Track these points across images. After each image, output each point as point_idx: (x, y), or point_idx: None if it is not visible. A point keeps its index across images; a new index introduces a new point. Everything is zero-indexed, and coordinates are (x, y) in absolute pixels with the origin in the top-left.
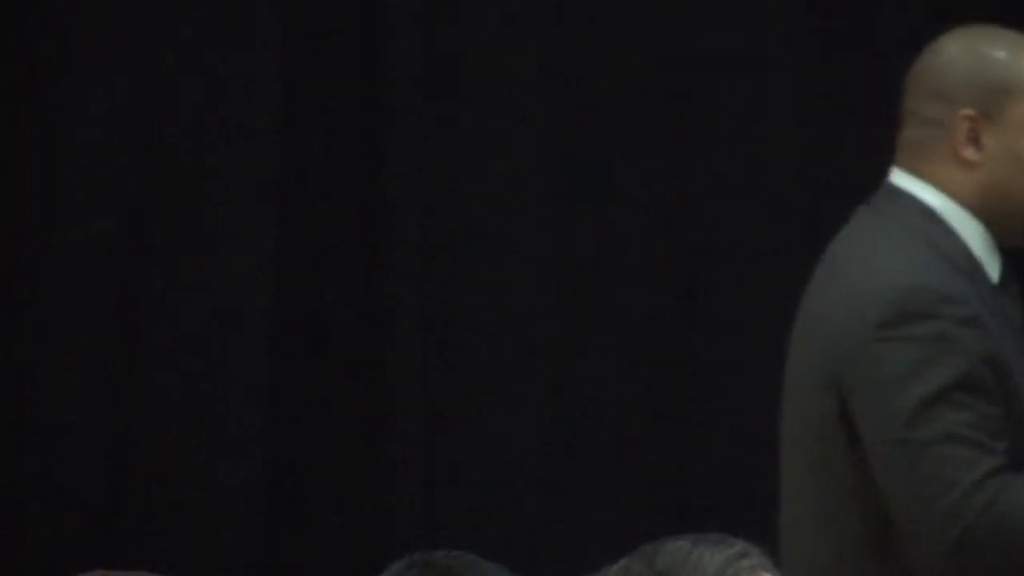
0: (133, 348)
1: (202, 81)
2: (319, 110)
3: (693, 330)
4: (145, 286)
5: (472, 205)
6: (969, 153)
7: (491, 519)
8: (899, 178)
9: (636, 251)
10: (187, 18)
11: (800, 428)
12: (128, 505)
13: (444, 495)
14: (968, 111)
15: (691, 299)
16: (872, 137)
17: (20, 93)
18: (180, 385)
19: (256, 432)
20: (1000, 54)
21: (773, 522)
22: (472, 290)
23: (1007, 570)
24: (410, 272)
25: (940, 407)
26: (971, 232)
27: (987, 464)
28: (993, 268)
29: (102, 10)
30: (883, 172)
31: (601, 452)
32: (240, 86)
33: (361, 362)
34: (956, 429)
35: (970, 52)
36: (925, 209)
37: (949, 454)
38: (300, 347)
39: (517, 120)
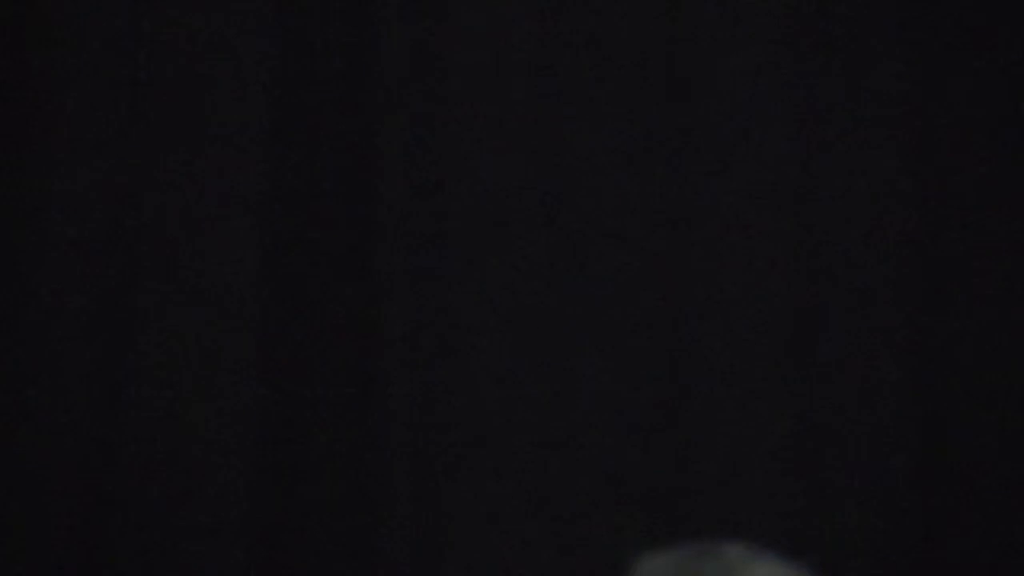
0: (122, 351)
1: (191, 79)
2: (309, 111)
3: (686, 334)
4: (133, 287)
5: (463, 205)
6: None
7: (487, 522)
8: None
9: (633, 253)
10: (177, 21)
11: None
12: (114, 512)
13: (436, 499)
14: None
15: (688, 303)
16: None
17: (7, 96)
18: (169, 391)
19: (245, 443)
20: None
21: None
22: (465, 289)
23: None
24: (402, 272)
25: None
26: None
27: None
28: None
29: (94, 16)
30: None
31: (601, 451)
32: (229, 88)
33: (353, 365)
34: None
35: None
36: None
37: None
38: (291, 349)
39: (509, 119)
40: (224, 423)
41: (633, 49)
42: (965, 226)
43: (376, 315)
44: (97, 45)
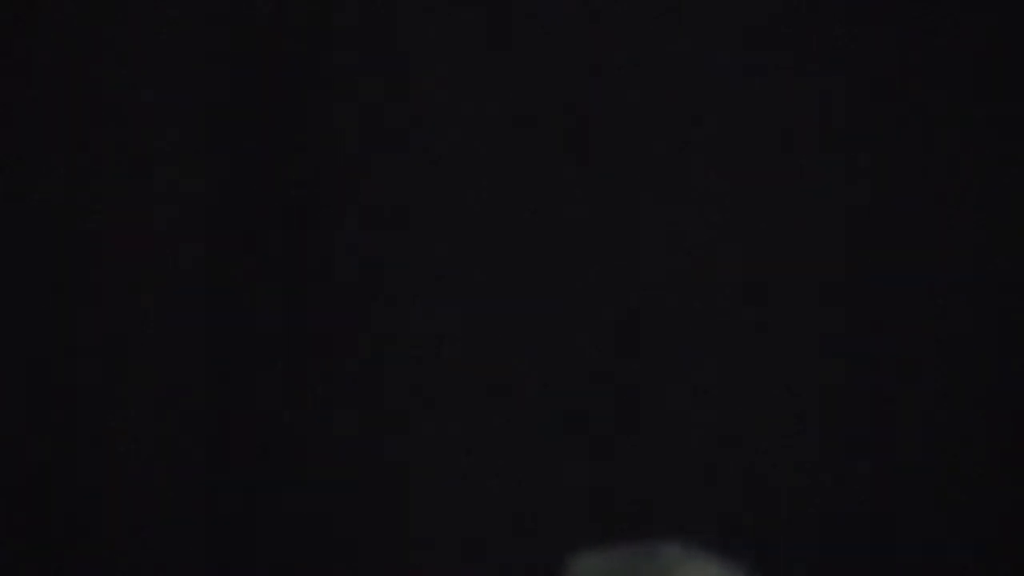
0: (65, 332)
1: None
2: (261, 103)
3: (638, 336)
4: (82, 271)
5: (418, 194)
6: None
7: (438, 521)
8: None
9: (605, 253)
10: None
11: None
12: (67, 499)
13: (391, 496)
14: None
15: (641, 299)
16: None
17: None
18: (117, 382)
19: (197, 435)
20: None
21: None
22: (418, 285)
23: None
24: (354, 264)
25: None
26: None
27: None
28: None
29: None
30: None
31: (558, 444)
32: (179, 75)
33: (306, 363)
34: None
35: None
36: None
37: None
38: (241, 350)
39: (475, 108)
40: (173, 423)
41: (628, 48)
42: (961, 227)
43: (328, 310)
44: (40, 47)
